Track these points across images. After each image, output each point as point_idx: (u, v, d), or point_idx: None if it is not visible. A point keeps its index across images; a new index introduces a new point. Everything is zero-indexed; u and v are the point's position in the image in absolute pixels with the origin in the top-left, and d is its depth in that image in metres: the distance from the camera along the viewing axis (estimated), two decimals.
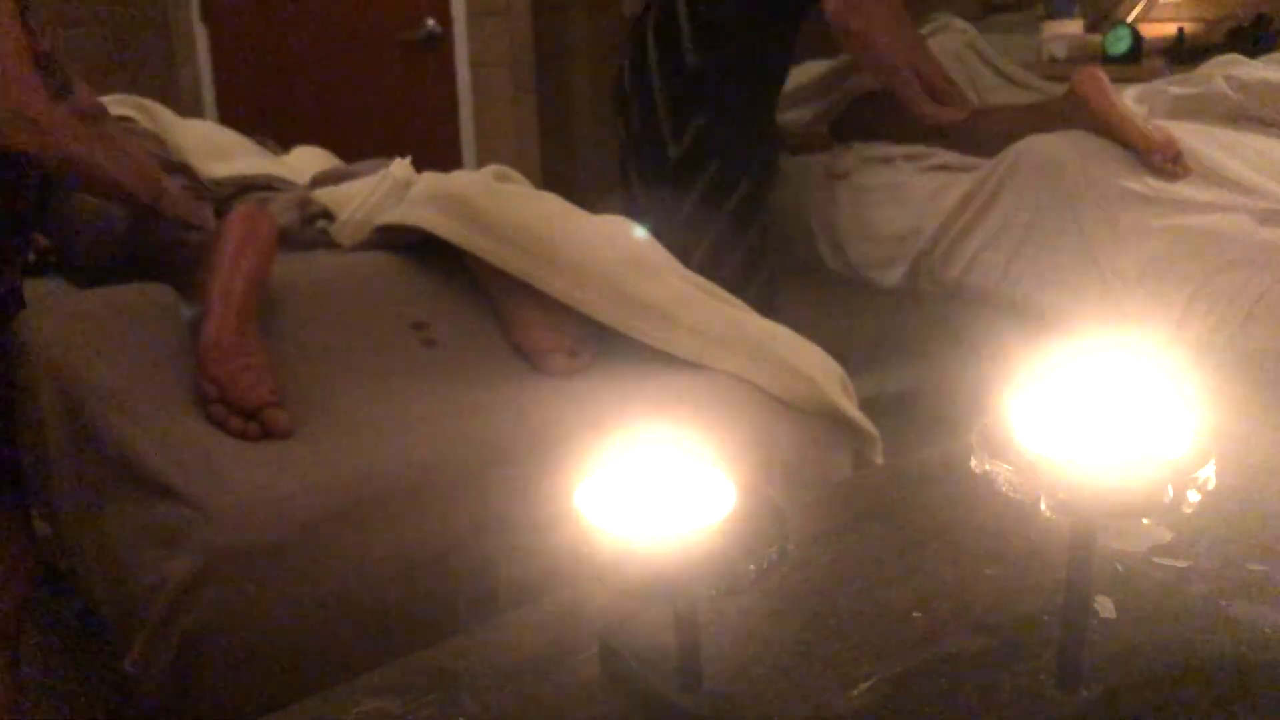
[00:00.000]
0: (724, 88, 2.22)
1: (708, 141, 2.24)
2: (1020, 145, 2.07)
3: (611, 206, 1.84)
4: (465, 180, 1.65)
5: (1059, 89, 2.44)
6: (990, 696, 0.67)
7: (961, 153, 2.21)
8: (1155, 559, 0.81)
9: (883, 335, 2.43)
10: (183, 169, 1.81)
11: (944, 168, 2.25)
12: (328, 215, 1.74)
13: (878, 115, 2.40)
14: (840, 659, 0.71)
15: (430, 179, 1.70)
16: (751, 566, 0.60)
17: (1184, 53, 2.99)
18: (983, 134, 2.21)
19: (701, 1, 2.20)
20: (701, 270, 2.13)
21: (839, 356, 1.53)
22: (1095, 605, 0.74)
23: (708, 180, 2.26)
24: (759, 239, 2.35)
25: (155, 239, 1.58)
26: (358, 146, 2.43)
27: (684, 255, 2.01)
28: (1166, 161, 1.95)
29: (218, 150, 2.07)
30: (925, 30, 2.67)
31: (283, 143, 2.40)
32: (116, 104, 1.99)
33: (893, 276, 2.25)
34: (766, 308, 2.28)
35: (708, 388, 1.42)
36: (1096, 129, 2.02)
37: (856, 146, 2.39)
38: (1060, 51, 3.12)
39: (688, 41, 2.20)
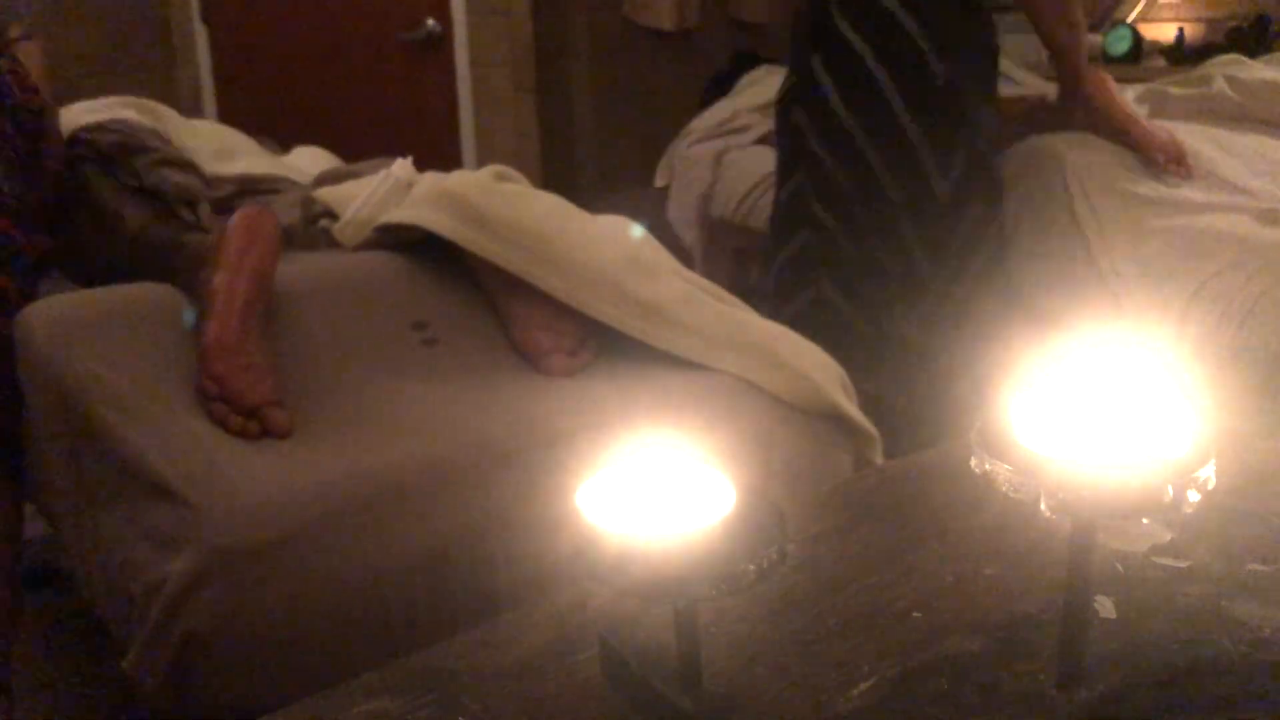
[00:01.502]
0: (974, 98, 1.80)
1: (977, 168, 1.81)
2: (1020, 145, 2.07)
3: (613, 206, 1.82)
4: (465, 180, 1.65)
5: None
6: (990, 696, 0.67)
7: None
8: (1155, 559, 0.81)
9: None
10: (189, 166, 1.82)
11: None
12: (330, 214, 1.74)
13: None
14: (840, 659, 0.71)
15: (431, 179, 1.70)
16: (751, 566, 0.60)
17: (1184, 53, 2.99)
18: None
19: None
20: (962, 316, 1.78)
21: None
22: (1095, 605, 0.74)
23: (974, 215, 1.83)
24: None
25: (158, 241, 1.58)
26: (358, 146, 2.43)
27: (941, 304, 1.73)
28: (1170, 163, 1.96)
29: (223, 150, 2.07)
30: None
31: (283, 143, 2.40)
32: (117, 105, 1.98)
33: None
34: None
35: (708, 388, 1.42)
36: (1102, 130, 2.02)
37: None
38: None
39: (929, 49, 1.73)
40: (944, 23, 1.76)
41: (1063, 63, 2.02)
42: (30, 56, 1.78)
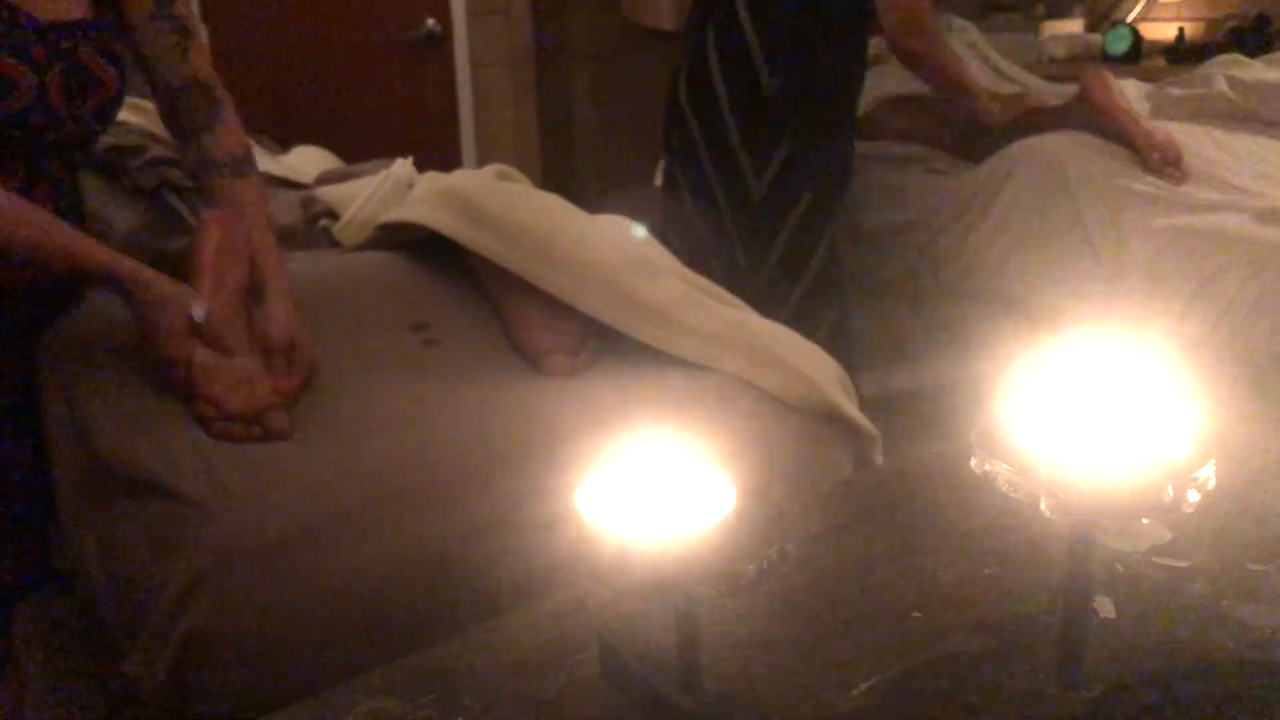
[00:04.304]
0: (807, 115, 1.99)
1: (794, 176, 2.01)
2: (1021, 145, 2.07)
3: (613, 206, 1.83)
4: (467, 178, 1.65)
5: (1059, 89, 2.44)
6: (990, 696, 0.67)
7: (977, 157, 2.20)
8: (1155, 559, 0.81)
9: (883, 335, 2.43)
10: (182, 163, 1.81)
11: (944, 171, 2.26)
12: (330, 214, 1.74)
13: (910, 118, 2.38)
14: (840, 659, 0.72)
15: (431, 178, 1.70)
16: (752, 567, 0.60)
17: (1184, 53, 2.99)
18: (987, 138, 2.21)
19: (770, 17, 1.95)
20: (803, 307, 2.00)
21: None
22: (1095, 605, 0.74)
23: (798, 218, 2.02)
24: (838, 266, 2.16)
25: (146, 248, 1.57)
26: (358, 146, 2.43)
27: (776, 292, 1.93)
28: (1166, 163, 1.96)
29: None
30: None
31: (283, 143, 2.40)
32: None
33: (891, 275, 2.26)
34: (843, 331, 2.11)
35: (708, 388, 1.42)
36: (1103, 131, 2.02)
37: (857, 147, 2.40)
38: (1060, 51, 3.12)
39: (761, 63, 1.96)
40: (789, 42, 1.95)
41: (934, 79, 2.17)
42: None
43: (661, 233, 2.07)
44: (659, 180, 3.09)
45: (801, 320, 1.95)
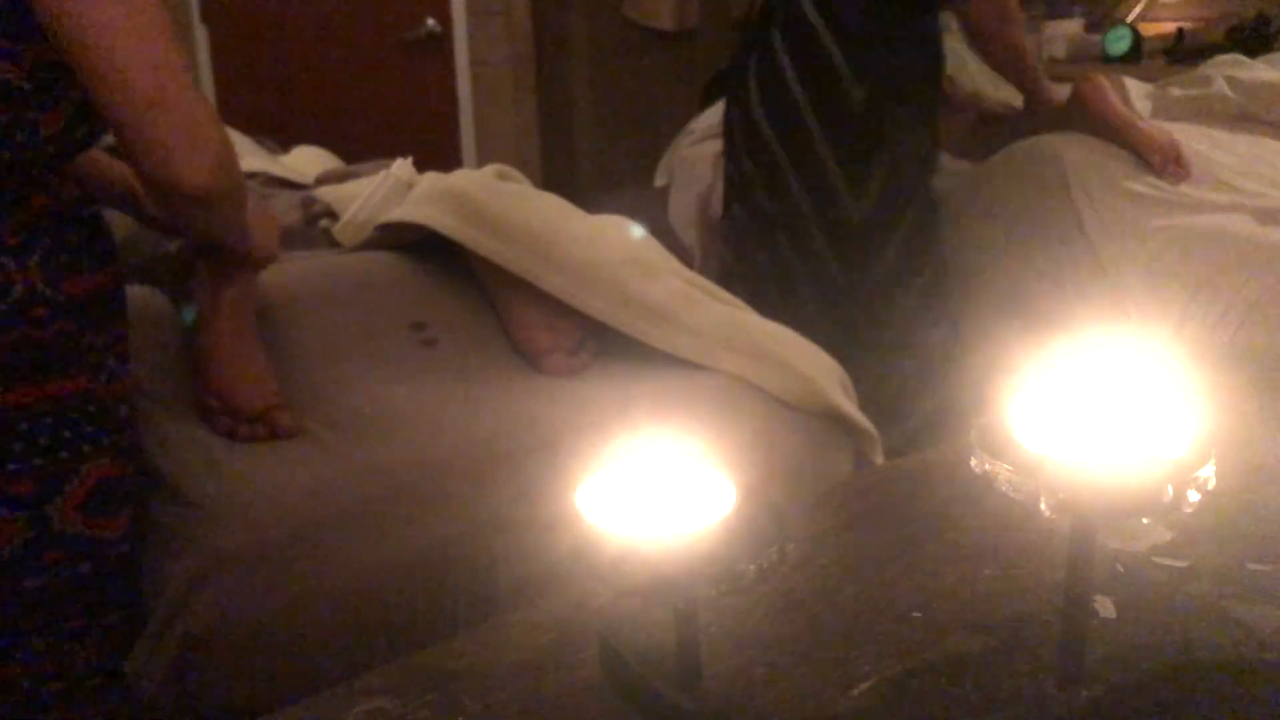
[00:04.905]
0: (898, 122, 1.83)
1: (899, 193, 1.84)
2: (1021, 144, 2.07)
3: (613, 207, 1.82)
4: (467, 178, 1.65)
5: (1059, 89, 2.44)
6: (990, 696, 0.67)
7: (977, 157, 2.20)
8: (1155, 559, 0.81)
9: None
10: None
11: (944, 171, 2.25)
12: (330, 214, 1.74)
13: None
14: (840, 659, 0.72)
15: (431, 178, 1.70)
16: (751, 567, 0.60)
17: (1184, 53, 2.99)
18: (990, 138, 2.21)
19: (843, 15, 1.79)
20: (899, 342, 1.86)
21: None
22: (1095, 605, 0.74)
23: (904, 234, 1.86)
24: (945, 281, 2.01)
25: (143, 248, 1.57)
26: (358, 146, 2.43)
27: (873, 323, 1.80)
28: (1167, 163, 1.96)
29: None
30: None
31: (283, 143, 2.40)
32: None
33: None
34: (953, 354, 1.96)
35: (708, 388, 1.42)
36: (1099, 133, 2.02)
37: None
38: (1060, 51, 3.13)
39: (844, 72, 1.78)
40: (868, 44, 1.79)
41: (1013, 65, 2.09)
42: None
43: (720, 266, 1.95)
44: (659, 182, 3.09)
45: (907, 339, 1.87)
